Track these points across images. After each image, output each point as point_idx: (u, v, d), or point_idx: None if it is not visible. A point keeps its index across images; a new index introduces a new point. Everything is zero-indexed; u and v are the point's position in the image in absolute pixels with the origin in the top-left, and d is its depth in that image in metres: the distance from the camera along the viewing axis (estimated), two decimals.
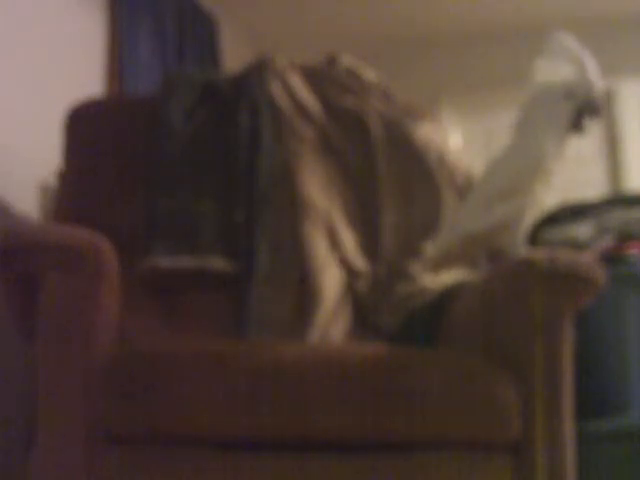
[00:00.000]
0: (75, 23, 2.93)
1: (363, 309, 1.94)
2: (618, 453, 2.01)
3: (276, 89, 2.05)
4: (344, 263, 1.96)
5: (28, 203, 2.50)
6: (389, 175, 2.09)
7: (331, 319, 1.87)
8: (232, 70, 2.23)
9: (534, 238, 2.20)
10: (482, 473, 1.46)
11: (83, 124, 2.05)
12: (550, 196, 1.71)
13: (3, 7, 2.51)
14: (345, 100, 2.14)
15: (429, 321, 1.85)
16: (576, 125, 1.67)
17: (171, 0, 3.56)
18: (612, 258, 2.17)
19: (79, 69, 2.92)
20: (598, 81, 1.67)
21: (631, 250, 2.20)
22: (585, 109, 1.65)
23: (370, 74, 2.23)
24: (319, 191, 1.99)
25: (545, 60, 1.73)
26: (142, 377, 1.40)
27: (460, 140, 4.25)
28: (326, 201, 2.00)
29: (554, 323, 1.51)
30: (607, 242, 2.23)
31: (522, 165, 1.67)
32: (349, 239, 2.00)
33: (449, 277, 1.93)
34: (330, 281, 1.90)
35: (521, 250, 1.66)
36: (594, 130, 1.68)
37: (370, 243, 2.02)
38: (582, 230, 2.27)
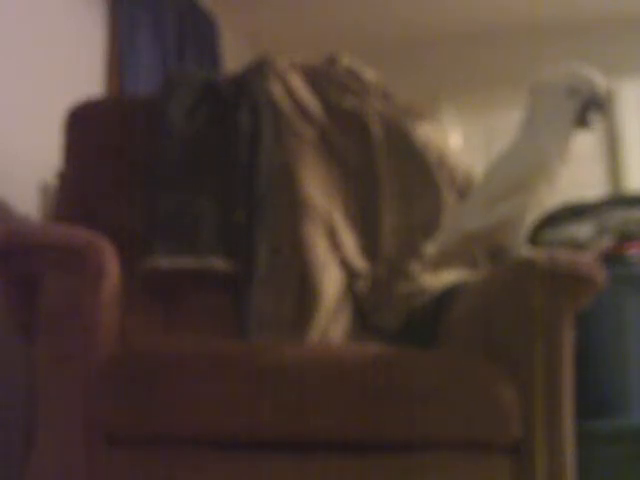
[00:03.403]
0: (75, 23, 2.93)
1: (363, 309, 1.94)
2: (618, 453, 2.02)
3: (276, 89, 2.05)
4: (344, 263, 1.96)
5: (28, 203, 2.50)
6: (389, 175, 2.09)
7: (331, 319, 1.87)
8: (232, 70, 2.23)
9: (534, 238, 2.20)
10: (482, 473, 1.46)
11: (83, 124, 2.05)
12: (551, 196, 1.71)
13: (3, 7, 2.51)
14: (345, 100, 2.14)
15: (429, 321, 1.84)
16: (582, 121, 1.66)
17: (171, 0, 3.56)
18: (612, 258, 2.17)
19: (79, 69, 2.92)
20: (600, 77, 1.67)
21: (631, 250, 2.20)
22: (590, 104, 1.65)
23: (370, 74, 2.23)
24: (319, 191, 1.99)
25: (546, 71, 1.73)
26: (142, 377, 1.40)
27: (460, 140, 4.25)
28: (326, 201, 2.00)
29: (554, 323, 1.51)
30: (607, 242, 2.23)
31: (525, 164, 1.66)
32: (349, 239, 2.00)
33: (449, 277, 1.93)
34: (330, 281, 1.90)
35: (522, 250, 1.66)
36: (595, 129, 1.68)
37: (370, 243, 2.02)
38: (582, 230, 2.27)
